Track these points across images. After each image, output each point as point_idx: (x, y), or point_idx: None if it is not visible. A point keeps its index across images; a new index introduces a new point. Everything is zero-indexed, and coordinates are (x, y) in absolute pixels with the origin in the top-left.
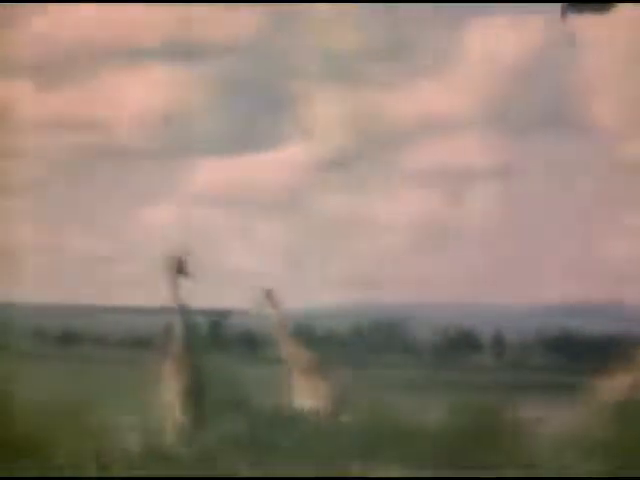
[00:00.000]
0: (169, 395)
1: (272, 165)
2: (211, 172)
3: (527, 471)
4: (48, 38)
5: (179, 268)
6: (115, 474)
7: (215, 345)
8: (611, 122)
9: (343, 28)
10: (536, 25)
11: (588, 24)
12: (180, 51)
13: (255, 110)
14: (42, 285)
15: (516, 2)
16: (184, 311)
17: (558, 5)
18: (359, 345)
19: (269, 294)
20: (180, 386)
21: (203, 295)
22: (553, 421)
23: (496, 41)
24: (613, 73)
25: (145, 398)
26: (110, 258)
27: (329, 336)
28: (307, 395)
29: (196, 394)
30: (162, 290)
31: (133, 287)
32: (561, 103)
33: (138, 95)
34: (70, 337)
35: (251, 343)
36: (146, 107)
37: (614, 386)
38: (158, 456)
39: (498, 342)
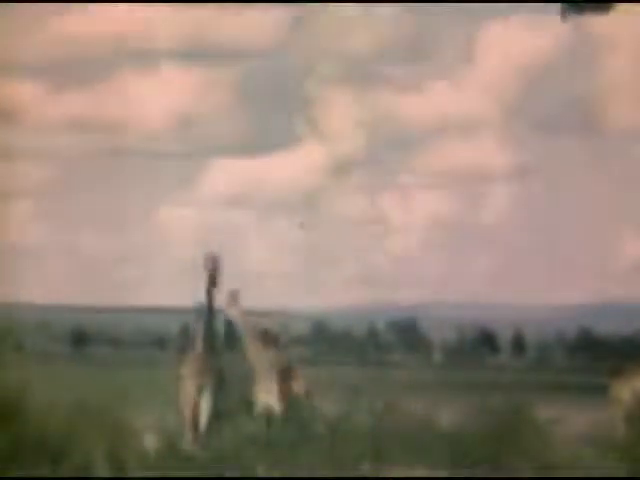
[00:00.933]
0: (189, 395)
1: (288, 166)
2: (227, 173)
3: (545, 471)
4: (65, 40)
5: (212, 277)
6: (131, 474)
7: (231, 345)
8: (628, 123)
9: (359, 30)
10: (552, 26)
11: (605, 24)
12: (197, 53)
13: (271, 112)
14: (57, 285)
15: (519, 2)
16: (209, 314)
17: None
18: (374, 345)
19: (234, 295)
20: (201, 386)
21: (220, 294)
22: (572, 421)
23: (512, 42)
24: (630, 74)
25: (161, 398)
26: (126, 259)
27: (344, 336)
28: (268, 395)
29: (216, 395)
30: (178, 290)
31: (149, 287)
32: (578, 104)
33: (155, 97)
34: (85, 337)
35: None
36: (163, 109)
37: (633, 386)
38: (175, 456)
39: (518, 342)
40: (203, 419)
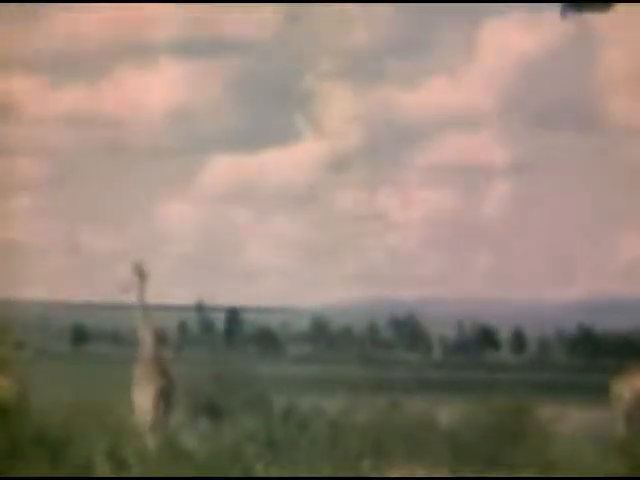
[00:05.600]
0: (151, 398)
1: (287, 162)
2: (225, 169)
3: (546, 468)
4: (62, 35)
5: (140, 273)
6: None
7: (232, 343)
8: (627, 119)
9: (358, 26)
10: (552, 22)
11: (604, 22)
12: (195, 48)
13: (270, 107)
14: (55, 283)
15: (521, 2)
16: (148, 314)
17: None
18: (374, 342)
19: None
20: (161, 389)
21: (220, 291)
22: (572, 419)
23: (511, 38)
24: (629, 71)
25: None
26: (125, 255)
27: (345, 333)
28: None
29: (167, 396)
30: (178, 287)
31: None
32: (577, 100)
33: (154, 92)
34: (84, 334)
35: (267, 341)
36: (162, 104)
37: (634, 385)
38: (175, 454)
39: (518, 339)
40: (163, 421)
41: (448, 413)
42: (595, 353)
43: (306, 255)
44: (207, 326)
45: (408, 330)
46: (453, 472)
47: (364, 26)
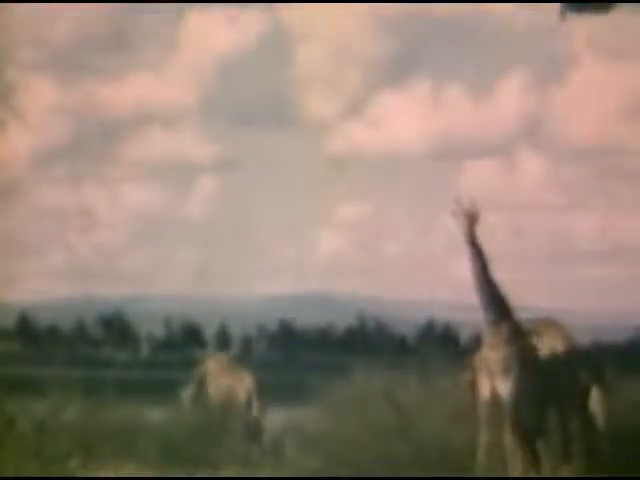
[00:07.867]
0: None
1: None
2: None
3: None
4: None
5: None
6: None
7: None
8: (323, 115)
9: (61, 18)
10: (250, 18)
11: (300, 16)
12: None
13: None
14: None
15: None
16: None
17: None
18: (82, 340)
19: None
20: None
21: None
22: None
23: (213, 35)
24: (324, 65)
25: None
26: None
27: (51, 330)
28: None
29: None
30: None
31: None
32: (275, 97)
33: None
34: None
35: None
36: None
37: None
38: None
39: (222, 336)
40: None
41: (157, 412)
42: (295, 350)
43: (9, 249)
44: None
45: (116, 328)
46: (162, 472)
47: (67, 19)
